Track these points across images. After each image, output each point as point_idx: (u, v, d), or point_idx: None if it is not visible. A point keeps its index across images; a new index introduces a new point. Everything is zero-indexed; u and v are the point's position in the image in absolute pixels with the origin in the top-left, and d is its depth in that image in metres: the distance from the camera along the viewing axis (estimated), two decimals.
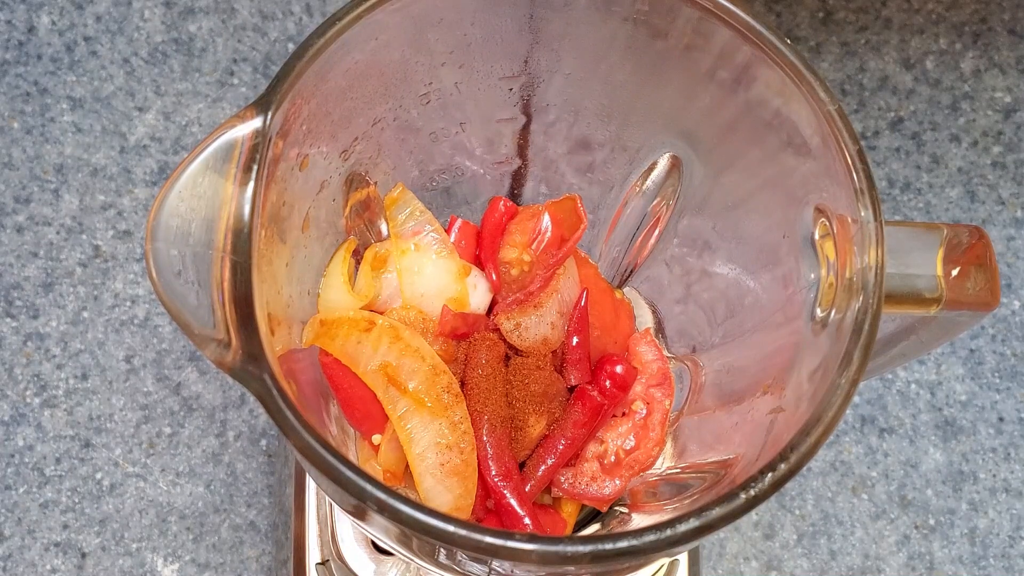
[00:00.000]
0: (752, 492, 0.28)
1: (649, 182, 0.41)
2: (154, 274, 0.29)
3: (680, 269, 0.43)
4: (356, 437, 0.39)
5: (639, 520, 0.40)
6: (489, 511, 0.39)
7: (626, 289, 0.45)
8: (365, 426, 0.38)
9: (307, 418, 0.28)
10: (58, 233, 0.56)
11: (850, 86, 0.60)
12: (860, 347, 0.30)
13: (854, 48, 0.61)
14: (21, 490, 0.53)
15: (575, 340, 0.40)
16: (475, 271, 0.41)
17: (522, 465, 0.39)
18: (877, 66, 0.61)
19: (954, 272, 0.33)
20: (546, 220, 0.41)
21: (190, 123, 0.58)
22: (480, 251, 0.42)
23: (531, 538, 0.27)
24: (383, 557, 0.45)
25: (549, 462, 0.39)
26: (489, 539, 0.27)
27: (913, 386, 0.56)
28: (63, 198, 0.56)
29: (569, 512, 0.41)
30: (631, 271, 0.45)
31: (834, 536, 0.53)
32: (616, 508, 0.42)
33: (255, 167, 0.30)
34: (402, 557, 0.40)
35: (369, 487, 0.26)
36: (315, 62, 0.32)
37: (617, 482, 0.39)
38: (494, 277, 0.41)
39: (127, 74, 0.59)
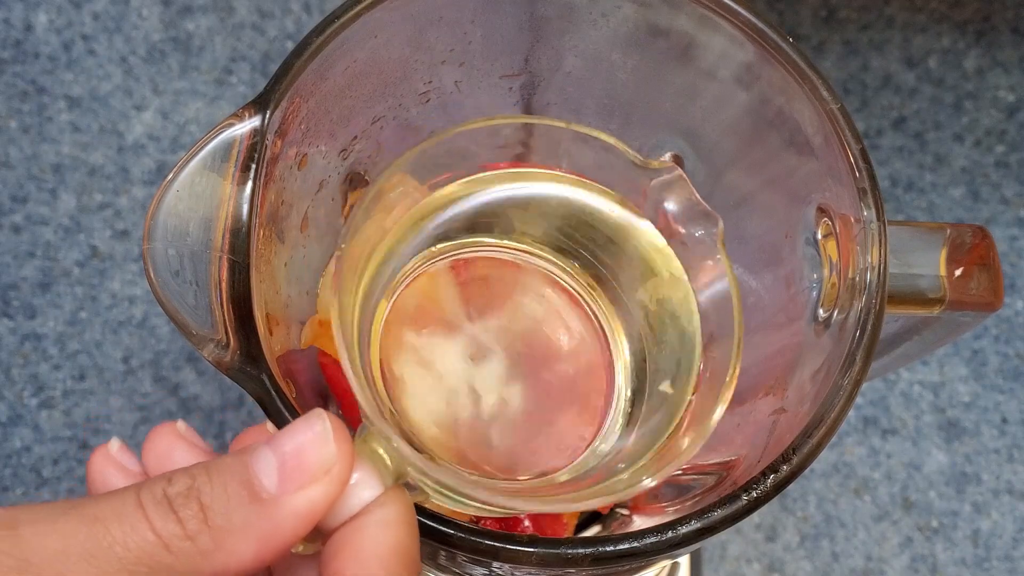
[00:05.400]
0: (754, 494, 0.28)
1: None
2: (152, 274, 0.29)
3: None
4: None
5: (640, 522, 0.40)
6: None
7: None
8: None
9: None
10: (55, 233, 0.56)
11: (853, 85, 0.60)
12: (863, 348, 0.30)
13: (857, 47, 0.61)
14: (19, 491, 0.53)
15: None
16: None
17: None
18: (880, 65, 0.60)
19: (957, 272, 0.33)
20: None
21: (188, 122, 0.58)
22: None
23: (532, 540, 0.27)
24: None
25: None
26: (489, 541, 0.27)
27: (916, 387, 0.56)
28: (60, 197, 0.56)
29: (570, 514, 0.41)
30: None
31: (836, 538, 0.53)
32: (617, 510, 0.42)
33: (253, 166, 0.30)
34: None
35: None
36: (314, 60, 0.32)
37: None
38: None
39: (125, 73, 0.58)
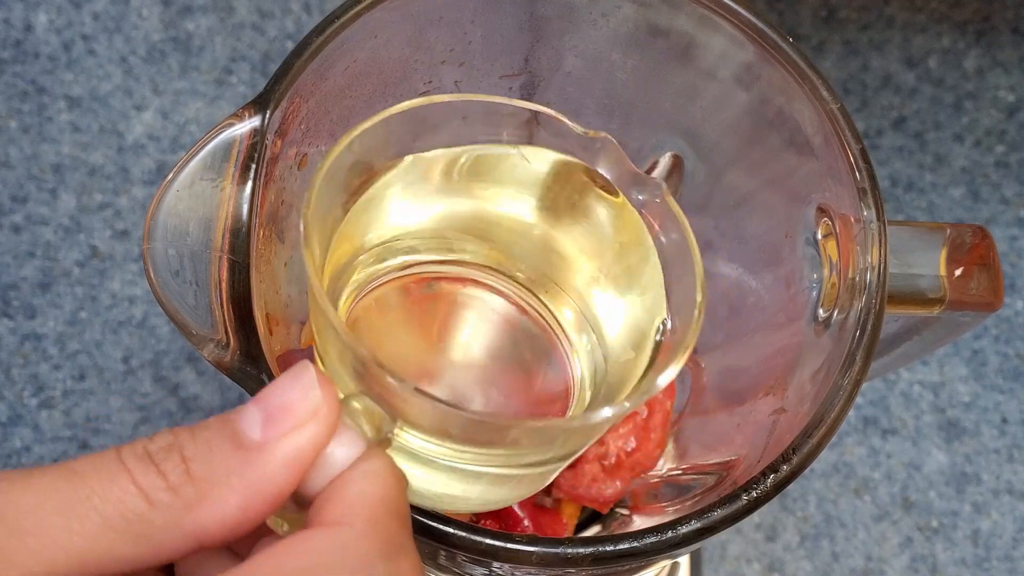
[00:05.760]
0: (754, 494, 0.28)
1: None
2: (152, 274, 0.29)
3: None
4: None
5: (640, 522, 0.40)
6: (489, 513, 0.39)
7: None
8: None
9: None
10: (55, 233, 0.56)
11: (852, 85, 0.60)
12: (863, 348, 0.30)
13: (856, 47, 0.61)
14: None
15: None
16: None
17: None
18: (880, 65, 0.60)
19: (957, 272, 0.33)
20: None
21: (188, 122, 0.58)
22: None
23: (531, 540, 0.27)
24: None
25: None
26: (489, 541, 0.27)
27: (916, 387, 0.56)
28: (60, 197, 0.56)
29: (570, 514, 0.41)
30: None
31: (836, 538, 0.53)
32: (617, 510, 0.42)
33: (253, 166, 0.30)
34: None
35: None
36: (314, 60, 0.32)
37: (618, 484, 0.39)
38: None
39: (125, 73, 0.58)
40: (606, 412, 0.25)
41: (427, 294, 0.32)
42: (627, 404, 0.26)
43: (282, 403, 0.22)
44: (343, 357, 0.25)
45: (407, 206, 0.31)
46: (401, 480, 0.23)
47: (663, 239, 0.30)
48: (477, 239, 0.33)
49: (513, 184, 0.32)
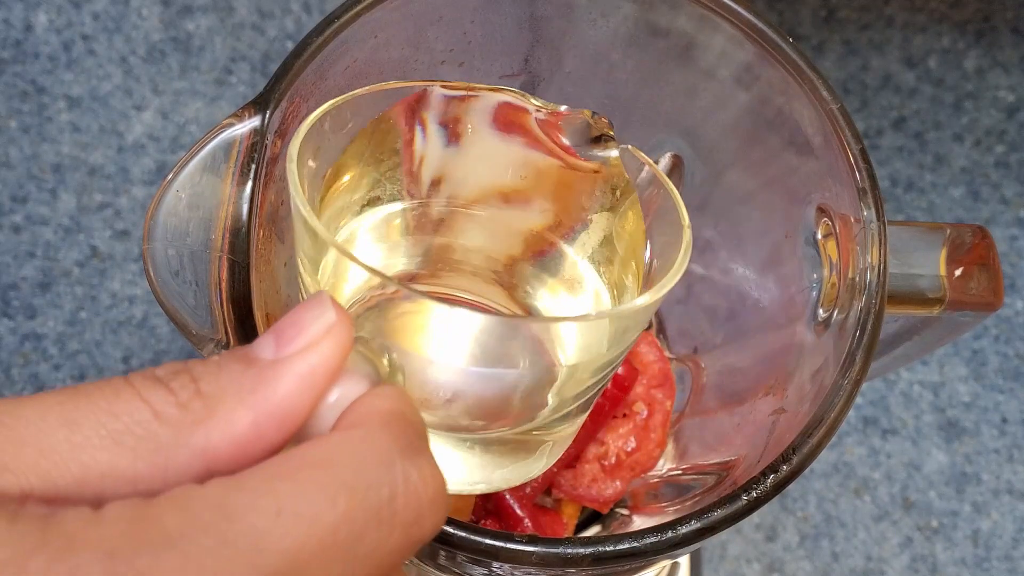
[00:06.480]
0: (754, 494, 0.28)
1: None
2: (151, 274, 0.29)
3: None
4: None
5: (640, 522, 0.40)
6: (489, 513, 0.39)
7: None
8: None
9: None
10: (55, 233, 0.56)
11: (852, 85, 0.60)
12: (863, 348, 0.30)
13: (856, 47, 0.61)
14: None
15: None
16: None
17: None
18: (880, 65, 0.60)
19: (957, 272, 0.33)
20: None
21: (188, 122, 0.58)
22: None
23: (531, 540, 0.27)
24: None
25: None
26: (489, 541, 0.27)
27: (916, 387, 0.56)
28: (60, 198, 0.56)
29: (570, 514, 0.41)
30: None
31: (836, 538, 0.53)
32: (617, 510, 0.42)
33: (253, 166, 0.30)
34: None
35: None
36: (313, 60, 0.32)
37: (618, 484, 0.39)
38: None
39: (124, 73, 0.58)
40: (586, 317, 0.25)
41: (403, 311, 0.32)
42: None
43: (296, 324, 0.21)
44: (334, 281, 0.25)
45: (382, 243, 0.31)
46: (414, 405, 0.22)
47: (647, 195, 0.30)
48: (452, 259, 0.33)
49: (483, 181, 0.32)
